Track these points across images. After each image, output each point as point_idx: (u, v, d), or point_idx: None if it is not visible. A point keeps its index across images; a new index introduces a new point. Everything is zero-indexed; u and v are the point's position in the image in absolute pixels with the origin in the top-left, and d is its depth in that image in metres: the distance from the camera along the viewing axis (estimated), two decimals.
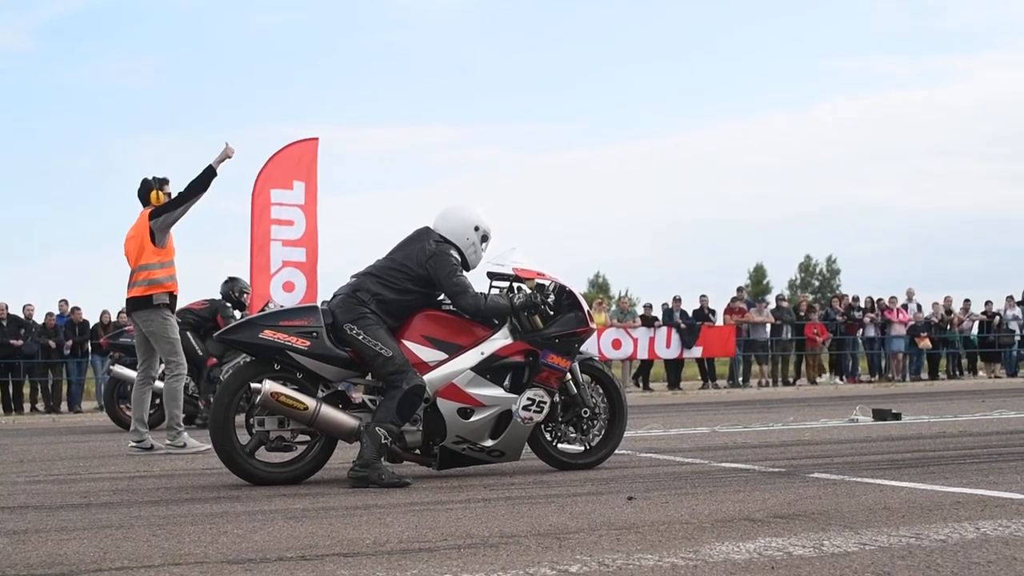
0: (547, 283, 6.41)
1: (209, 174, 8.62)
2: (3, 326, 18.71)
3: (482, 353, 6.13)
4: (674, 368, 22.05)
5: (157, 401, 12.52)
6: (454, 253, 6.19)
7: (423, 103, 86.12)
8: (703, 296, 22.43)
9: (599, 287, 64.98)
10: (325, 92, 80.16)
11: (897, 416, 10.11)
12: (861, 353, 24.17)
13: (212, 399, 6.51)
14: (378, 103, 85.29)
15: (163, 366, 9.04)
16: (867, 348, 23.98)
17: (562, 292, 6.41)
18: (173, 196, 8.87)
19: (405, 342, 6.08)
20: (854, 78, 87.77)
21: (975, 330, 24.89)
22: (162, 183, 9.01)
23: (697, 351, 21.69)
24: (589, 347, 16.42)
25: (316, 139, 14.51)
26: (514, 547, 3.80)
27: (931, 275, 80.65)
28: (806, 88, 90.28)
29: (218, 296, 13.00)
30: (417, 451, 6.14)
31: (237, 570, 3.52)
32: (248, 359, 6.20)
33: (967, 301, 25.10)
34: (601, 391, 6.56)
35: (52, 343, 19.06)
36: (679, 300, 22.11)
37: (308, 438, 6.06)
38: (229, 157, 8.69)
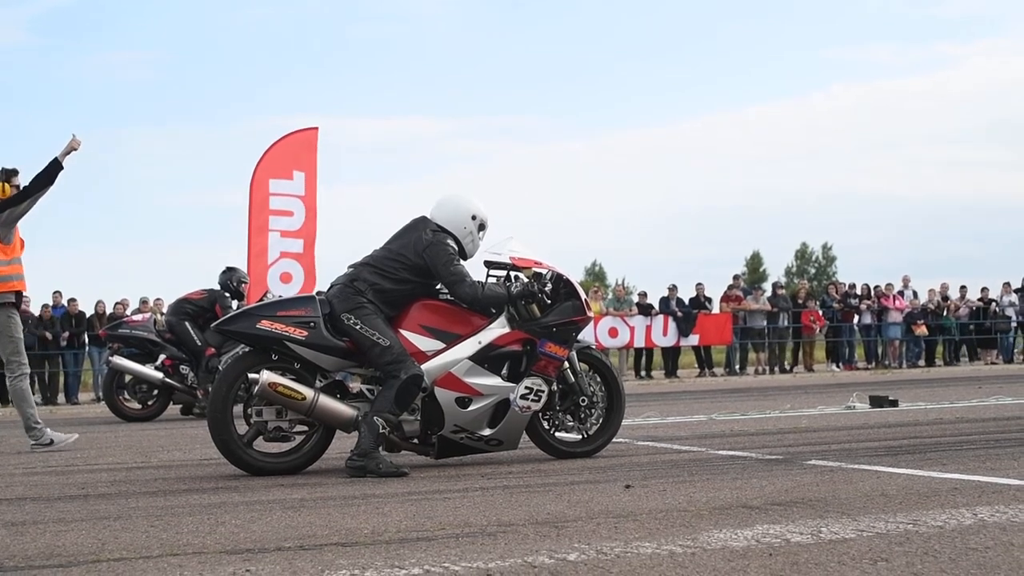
0: (544, 272, 6.40)
1: (55, 167, 8.35)
2: None
3: (480, 342, 6.13)
4: (671, 356, 22.07)
5: (155, 392, 12.59)
6: (451, 242, 6.19)
7: (420, 94, 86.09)
8: (699, 284, 22.48)
9: (596, 275, 64.98)
10: (322, 83, 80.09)
11: (894, 403, 10.13)
12: (857, 340, 24.20)
13: (210, 389, 6.50)
14: (375, 94, 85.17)
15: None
16: (863, 335, 24.01)
17: (559, 281, 6.41)
18: (20, 189, 8.48)
19: (403, 331, 6.08)
20: (850, 66, 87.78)
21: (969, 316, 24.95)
22: (10, 175, 8.58)
23: (694, 339, 21.71)
24: (586, 335, 16.44)
25: (316, 128, 14.44)
26: (512, 536, 3.80)
27: (927, 262, 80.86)
28: (802, 77, 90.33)
29: (216, 286, 13.00)
30: (415, 440, 6.14)
31: (235, 560, 3.52)
32: (246, 349, 6.20)
33: (963, 288, 25.14)
34: (599, 379, 6.56)
35: (48, 335, 19.05)
36: (675, 288, 22.13)
37: (306, 428, 6.07)
38: (75, 149, 8.42)
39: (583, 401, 6.44)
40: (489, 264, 6.41)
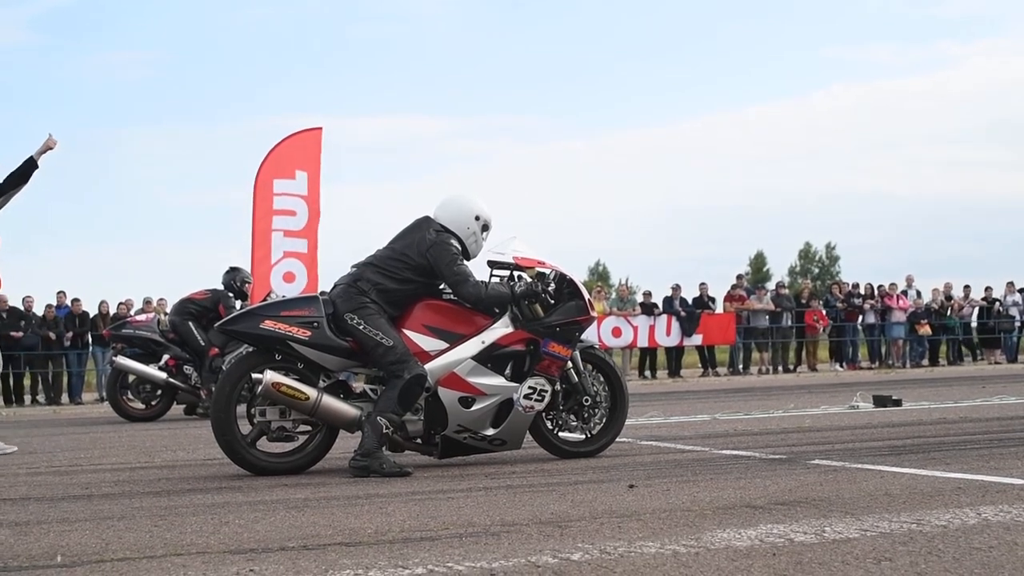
0: (547, 272, 6.40)
1: (30, 166, 8.32)
2: (3, 318, 18.71)
3: (483, 342, 6.13)
4: (674, 356, 22.06)
5: (159, 392, 12.60)
6: (454, 242, 6.18)
7: (420, 94, 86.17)
8: (703, 284, 22.46)
9: (599, 275, 64.96)
10: (322, 83, 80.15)
11: (897, 402, 10.12)
12: (861, 340, 24.17)
13: (213, 389, 6.50)
14: (375, 94, 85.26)
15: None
16: (867, 335, 23.98)
17: (562, 280, 6.41)
18: None
19: (406, 331, 6.08)
20: (850, 66, 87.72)
21: (975, 316, 24.90)
22: None
23: (697, 339, 21.70)
24: (589, 335, 16.43)
25: (320, 129, 14.46)
26: (516, 535, 3.80)
27: (930, 261, 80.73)
28: (802, 76, 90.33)
29: (220, 286, 13.00)
30: (418, 440, 6.15)
31: (239, 560, 3.52)
32: (249, 349, 6.20)
33: (967, 287, 25.11)
34: (602, 379, 6.56)
35: (52, 335, 19.06)
36: (679, 288, 22.12)
37: (309, 428, 6.07)
38: (51, 148, 8.39)
39: (586, 401, 6.44)
40: (493, 264, 6.41)
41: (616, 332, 21.16)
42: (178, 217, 78.08)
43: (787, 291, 24.68)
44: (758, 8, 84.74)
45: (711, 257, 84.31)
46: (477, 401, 6.08)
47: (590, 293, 7.66)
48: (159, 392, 12.63)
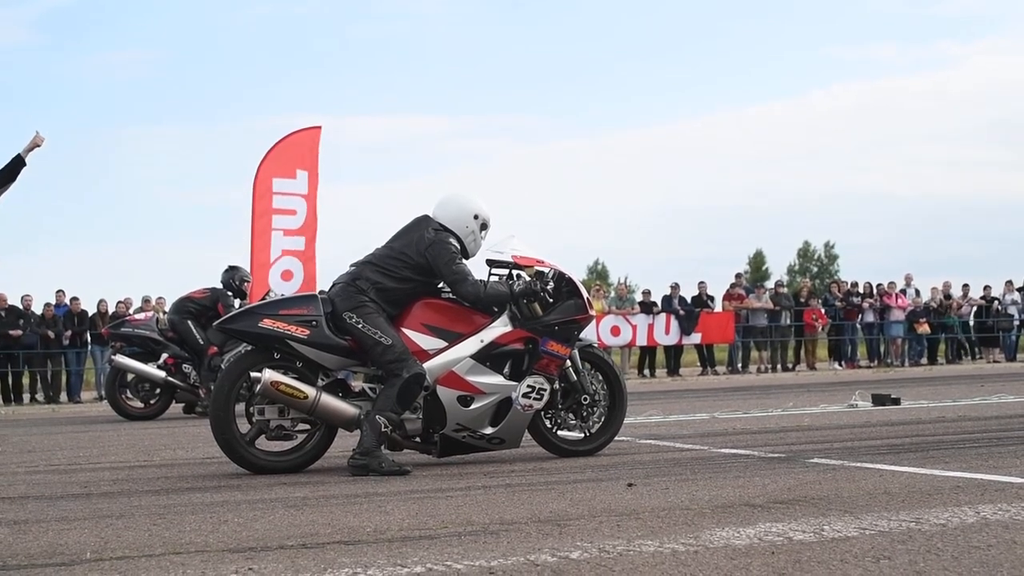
0: (546, 270, 6.40)
1: (18, 164, 8.28)
2: (2, 317, 18.69)
3: (482, 341, 6.13)
4: (673, 354, 22.06)
5: (157, 391, 12.60)
6: (453, 241, 6.18)
7: (421, 94, 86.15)
8: (702, 283, 22.44)
9: (598, 274, 64.93)
10: (322, 83, 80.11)
11: (896, 401, 10.12)
12: (860, 338, 24.15)
13: (212, 388, 6.50)
14: (375, 93, 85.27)
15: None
16: (866, 333, 23.96)
17: (561, 279, 6.41)
18: None
19: (405, 330, 6.08)
20: (850, 65, 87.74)
21: (973, 315, 24.89)
22: None
23: (696, 337, 21.69)
24: (588, 334, 16.43)
25: (319, 127, 14.45)
26: (514, 534, 3.80)
27: (927, 261, 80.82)
28: (803, 76, 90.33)
29: (219, 285, 13.00)
30: (417, 439, 6.15)
31: (238, 559, 3.52)
32: (248, 348, 6.20)
33: (966, 286, 25.09)
34: (601, 378, 6.56)
35: (51, 333, 19.05)
36: (678, 286, 22.11)
37: (308, 427, 6.07)
38: (39, 146, 8.35)
39: (585, 399, 6.44)
40: (491, 263, 6.41)
41: (615, 331, 21.15)
42: (178, 217, 78.08)
43: (786, 290, 24.66)
44: (758, 8, 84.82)
45: (710, 257, 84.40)
46: (476, 400, 6.08)
47: (589, 292, 7.66)
48: (158, 391, 12.63)
